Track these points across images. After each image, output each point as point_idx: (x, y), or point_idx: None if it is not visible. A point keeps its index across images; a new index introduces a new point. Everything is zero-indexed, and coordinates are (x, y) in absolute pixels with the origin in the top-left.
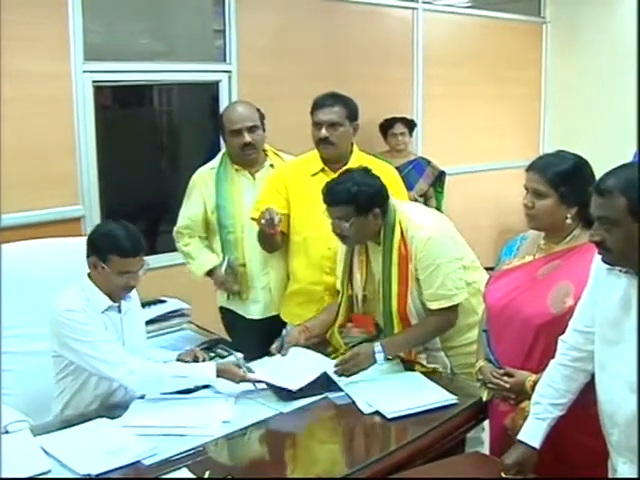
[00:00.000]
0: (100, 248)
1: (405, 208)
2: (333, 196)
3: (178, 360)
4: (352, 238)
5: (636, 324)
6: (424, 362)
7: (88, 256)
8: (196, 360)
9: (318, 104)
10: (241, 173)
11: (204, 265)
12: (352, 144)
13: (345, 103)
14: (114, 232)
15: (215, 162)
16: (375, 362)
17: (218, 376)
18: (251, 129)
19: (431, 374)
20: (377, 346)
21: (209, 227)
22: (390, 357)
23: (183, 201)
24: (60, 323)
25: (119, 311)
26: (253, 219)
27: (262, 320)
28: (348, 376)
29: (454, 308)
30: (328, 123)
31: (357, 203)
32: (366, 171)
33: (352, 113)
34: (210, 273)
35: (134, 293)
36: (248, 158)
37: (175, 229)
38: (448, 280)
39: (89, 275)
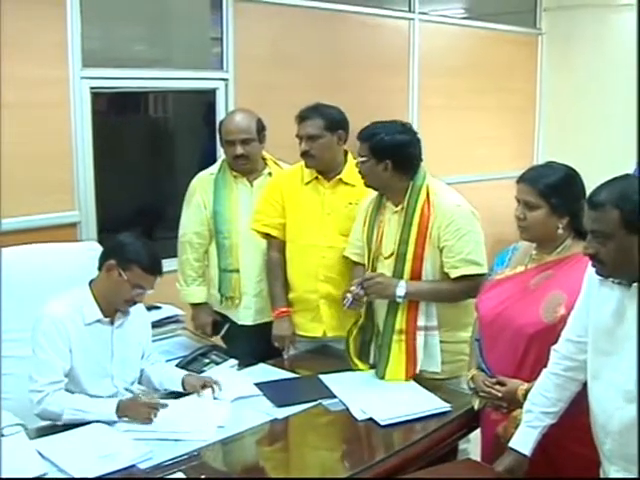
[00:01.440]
0: (125, 255)
1: (435, 180)
2: (361, 132)
3: (186, 378)
4: (366, 179)
5: (631, 334)
6: (421, 341)
7: (106, 258)
8: (204, 386)
9: (299, 117)
10: (239, 180)
11: (192, 297)
12: (346, 153)
13: (324, 114)
14: (142, 246)
15: (214, 168)
16: (393, 296)
17: (120, 415)
18: (244, 141)
19: (423, 381)
20: (402, 281)
21: (210, 232)
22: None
23: (183, 207)
24: (34, 323)
25: (111, 323)
26: (254, 230)
27: (254, 326)
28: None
29: (482, 278)
30: (307, 136)
31: (371, 144)
32: (403, 126)
33: (332, 123)
34: (194, 304)
35: (142, 310)
36: (240, 168)
37: (179, 239)
38: (478, 249)
39: (90, 283)
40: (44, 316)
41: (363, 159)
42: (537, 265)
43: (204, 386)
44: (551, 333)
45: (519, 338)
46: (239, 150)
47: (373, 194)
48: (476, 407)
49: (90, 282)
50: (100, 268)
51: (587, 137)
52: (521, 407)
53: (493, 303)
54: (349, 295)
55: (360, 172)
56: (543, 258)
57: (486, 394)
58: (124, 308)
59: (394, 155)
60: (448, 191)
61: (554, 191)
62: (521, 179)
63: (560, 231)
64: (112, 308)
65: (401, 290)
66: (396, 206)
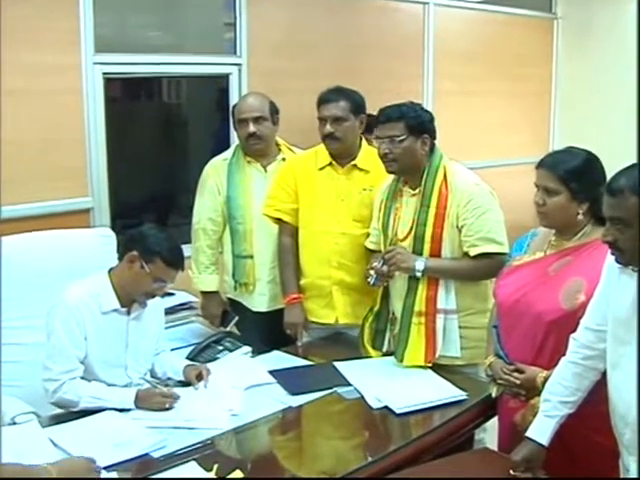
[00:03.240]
0: (148, 247)
1: (451, 161)
2: (385, 114)
3: (185, 369)
4: (399, 162)
5: None
6: (441, 324)
7: (128, 249)
8: (200, 377)
9: (322, 99)
10: (253, 165)
11: (204, 285)
12: (360, 138)
13: (349, 97)
14: (165, 239)
15: (228, 153)
16: (413, 270)
17: (138, 405)
18: (257, 120)
19: (441, 367)
20: (421, 257)
21: (224, 219)
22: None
23: (197, 193)
24: (50, 309)
25: (128, 314)
26: (266, 215)
27: (268, 313)
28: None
29: (502, 258)
30: (332, 118)
31: (408, 120)
32: (417, 104)
33: (357, 107)
34: (205, 293)
35: (159, 303)
36: (253, 148)
37: (193, 226)
38: (498, 228)
39: (110, 271)
40: (61, 302)
41: (401, 138)
42: (556, 251)
43: (199, 376)
44: (570, 320)
45: (538, 325)
46: (251, 128)
47: (387, 181)
48: (494, 395)
49: (109, 270)
50: (121, 258)
51: (604, 123)
52: (540, 395)
53: (511, 289)
54: (372, 272)
55: (387, 156)
56: (562, 244)
57: (504, 381)
58: (142, 300)
59: (430, 129)
60: (465, 171)
61: (574, 176)
62: (540, 164)
63: (580, 217)
64: (130, 298)
65: (420, 264)
66: (414, 189)
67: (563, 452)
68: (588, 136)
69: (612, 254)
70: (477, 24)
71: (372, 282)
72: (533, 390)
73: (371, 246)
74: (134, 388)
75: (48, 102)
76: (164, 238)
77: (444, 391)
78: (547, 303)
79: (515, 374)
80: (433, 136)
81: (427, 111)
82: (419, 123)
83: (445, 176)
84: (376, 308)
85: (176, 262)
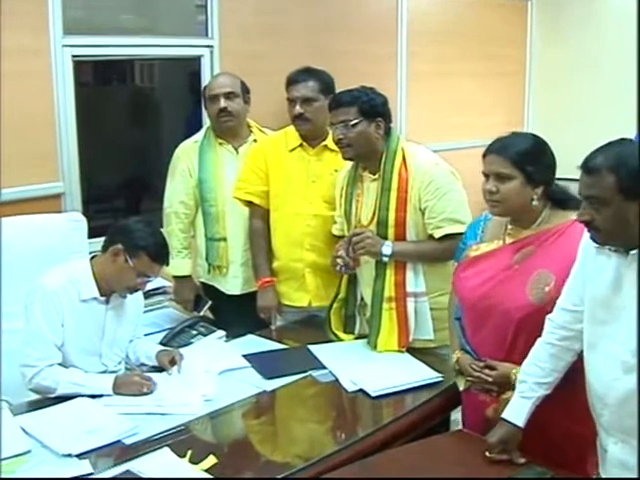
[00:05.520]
0: (135, 242)
1: (409, 142)
2: (337, 99)
3: (158, 355)
4: (354, 147)
5: (628, 303)
6: (412, 308)
7: (113, 242)
8: (173, 362)
9: (291, 80)
10: (224, 147)
11: (176, 269)
12: None
13: (319, 77)
14: (151, 234)
15: (199, 136)
16: (380, 254)
17: (116, 391)
18: (228, 95)
19: (414, 350)
20: (387, 241)
21: (195, 202)
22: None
23: (168, 177)
24: (29, 293)
25: (106, 303)
26: (236, 198)
27: (242, 296)
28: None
29: None
30: (302, 99)
31: (360, 105)
32: (370, 88)
33: (327, 87)
34: (178, 277)
35: (139, 294)
36: (224, 126)
37: (165, 210)
38: (460, 208)
39: (91, 259)
40: (40, 287)
41: (354, 122)
42: (515, 240)
43: (171, 361)
44: (540, 315)
45: (507, 322)
46: (222, 103)
47: (347, 167)
48: (461, 388)
49: (91, 258)
50: (105, 249)
51: (579, 104)
52: (513, 389)
53: (474, 283)
54: (339, 261)
55: (342, 141)
56: (521, 232)
57: (475, 379)
58: (124, 294)
59: (384, 113)
60: (424, 151)
61: (527, 159)
62: (489, 151)
63: (535, 202)
64: (111, 290)
65: (387, 249)
66: (374, 174)
67: (538, 438)
68: (563, 117)
69: (589, 232)
70: (451, 4)
71: (341, 270)
72: (506, 386)
73: (337, 233)
74: (112, 375)
75: (16, 86)
76: (150, 233)
77: (419, 373)
78: (515, 299)
79: (486, 371)
80: (388, 119)
81: (380, 94)
82: (372, 107)
83: (404, 158)
84: (342, 295)
85: (161, 257)
